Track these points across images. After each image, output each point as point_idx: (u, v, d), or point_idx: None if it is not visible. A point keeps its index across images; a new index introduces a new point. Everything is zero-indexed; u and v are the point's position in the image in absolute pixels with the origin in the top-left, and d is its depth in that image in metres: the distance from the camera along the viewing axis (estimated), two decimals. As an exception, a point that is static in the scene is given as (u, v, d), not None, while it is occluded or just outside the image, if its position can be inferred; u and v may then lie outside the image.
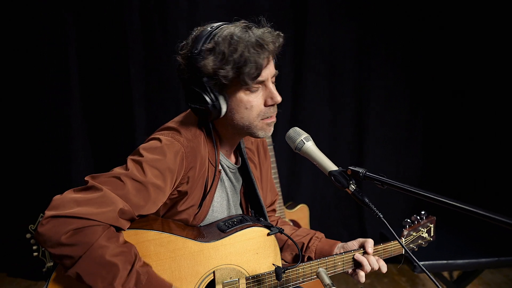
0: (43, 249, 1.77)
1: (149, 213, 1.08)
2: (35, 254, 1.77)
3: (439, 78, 3.10)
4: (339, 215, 3.25)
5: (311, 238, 1.37)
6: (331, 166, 1.08)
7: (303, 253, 1.35)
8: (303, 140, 1.12)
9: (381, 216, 0.97)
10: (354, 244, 1.30)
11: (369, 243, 1.27)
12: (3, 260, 3.04)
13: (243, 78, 1.06)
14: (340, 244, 1.33)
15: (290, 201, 2.67)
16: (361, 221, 3.21)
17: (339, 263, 1.26)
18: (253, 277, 1.18)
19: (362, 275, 1.26)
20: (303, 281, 1.24)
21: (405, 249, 1.00)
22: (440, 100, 3.14)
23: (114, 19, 2.67)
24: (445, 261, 1.99)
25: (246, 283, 1.17)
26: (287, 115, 3.03)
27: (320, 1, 2.88)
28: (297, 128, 1.16)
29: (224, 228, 1.20)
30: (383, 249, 1.32)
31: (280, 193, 2.37)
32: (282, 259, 1.38)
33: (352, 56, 3.02)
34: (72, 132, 2.73)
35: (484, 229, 2.25)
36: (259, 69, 1.07)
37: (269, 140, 2.34)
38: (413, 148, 3.21)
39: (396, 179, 2.98)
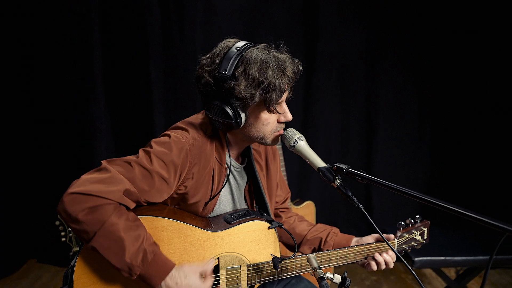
0: (70, 235, 1.96)
1: (155, 201, 1.21)
2: (63, 239, 1.96)
3: (449, 82, 3.13)
4: (348, 214, 3.34)
5: (328, 233, 1.51)
6: (320, 163, 1.19)
7: (321, 247, 1.50)
8: (297, 139, 1.25)
9: (361, 207, 1.10)
10: (368, 239, 1.45)
11: (391, 237, 1.42)
12: (34, 246, 3.28)
13: (269, 101, 1.19)
14: (355, 238, 1.48)
15: (299, 199, 2.79)
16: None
17: (351, 255, 1.40)
18: (253, 265, 1.31)
19: (374, 265, 1.41)
20: (299, 272, 1.36)
21: (384, 239, 1.12)
22: (449, 104, 3.17)
23: (136, 25, 2.86)
24: (442, 258, 2.06)
25: (247, 270, 1.31)
26: (299, 117, 3.14)
27: (331, 6, 2.97)
28: (292, 129, 1.28)
29: (230, 220, 1.33)
30: (375, 247, 1.44)
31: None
32: (301, 252, 1.52)
33: (362, 60, 3.09)
34: (96, 130, 2.93)
35: (483, 228, 2.31)
36: (282, 95, 1.21)
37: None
38: (422, 152, 3.26)
39: (404, 182, 3.07)
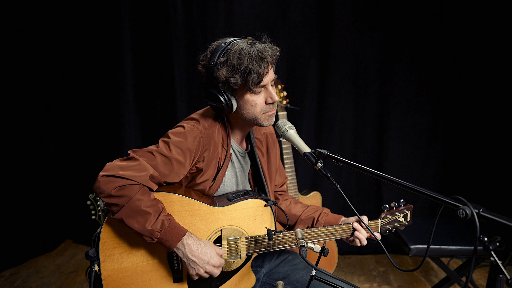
0: (99, 213, 2.24)
1: (174, 181, 1.45)
2: (93, 217, 2.24)
3: (462, 83, 3.17)
4: (359, 208, 3.46)
5: (320, 213, 1.70)
6: (306, 148, 1.38)
7: (314, 225, 1.69)
8: (287, 128, 1.45)
9: (338, 187, 1.28)
10: (352, 219, 1.63)
11: (364, 218, 1.58)
12: (70, 228, 3.64)
13: (248, 84, 1.40)
14: (343, 218, 1.67)
15: (307, 189, 2.94)
16: (379, 214, 3.41)
17: (338, 232, 1.58)
18: (251, 237, 1.51)
19: (357, 241, 1.57)
20: (291, 246, 1.55)
21: (361, 220, 1.29)
22: (462, 105, 3.21)
23: (162, 28, 3.13)
24: (438, 246, 2.15)
25: (246, 241, 1.51)
26: (313, 114, 3.26)
27: (345, 8, 3.08)
28: (284, 120, 1.48)
29: (231, 198, 1.53)
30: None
31: (295, 182, 2.66)
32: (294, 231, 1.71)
33: (375, 60, 3.18)
34: (125, 122, 3.25)
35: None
36: (260, 78, 1.40)
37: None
38: (434, 149, 3.30)
39: (416, 178, 3.14)
